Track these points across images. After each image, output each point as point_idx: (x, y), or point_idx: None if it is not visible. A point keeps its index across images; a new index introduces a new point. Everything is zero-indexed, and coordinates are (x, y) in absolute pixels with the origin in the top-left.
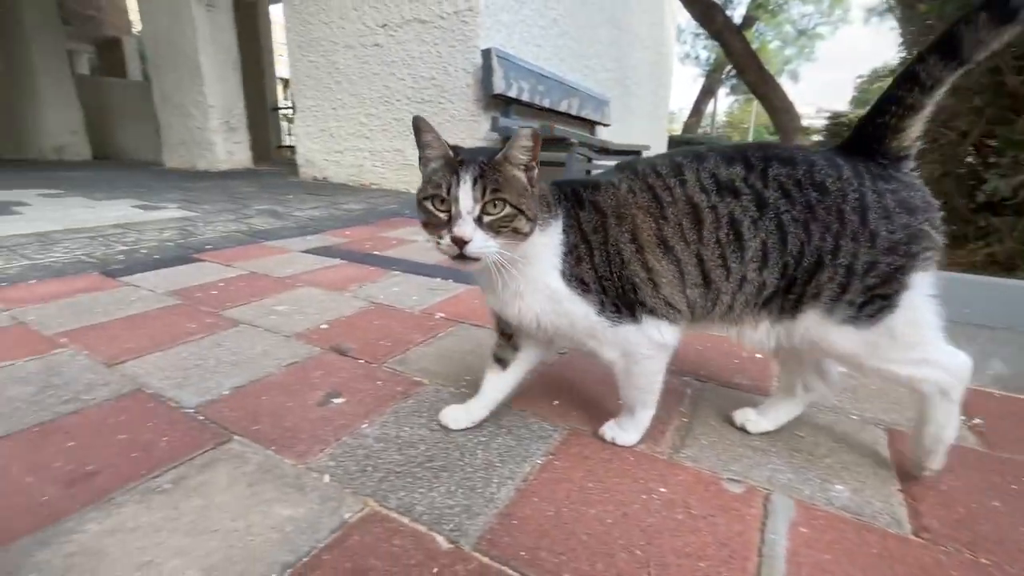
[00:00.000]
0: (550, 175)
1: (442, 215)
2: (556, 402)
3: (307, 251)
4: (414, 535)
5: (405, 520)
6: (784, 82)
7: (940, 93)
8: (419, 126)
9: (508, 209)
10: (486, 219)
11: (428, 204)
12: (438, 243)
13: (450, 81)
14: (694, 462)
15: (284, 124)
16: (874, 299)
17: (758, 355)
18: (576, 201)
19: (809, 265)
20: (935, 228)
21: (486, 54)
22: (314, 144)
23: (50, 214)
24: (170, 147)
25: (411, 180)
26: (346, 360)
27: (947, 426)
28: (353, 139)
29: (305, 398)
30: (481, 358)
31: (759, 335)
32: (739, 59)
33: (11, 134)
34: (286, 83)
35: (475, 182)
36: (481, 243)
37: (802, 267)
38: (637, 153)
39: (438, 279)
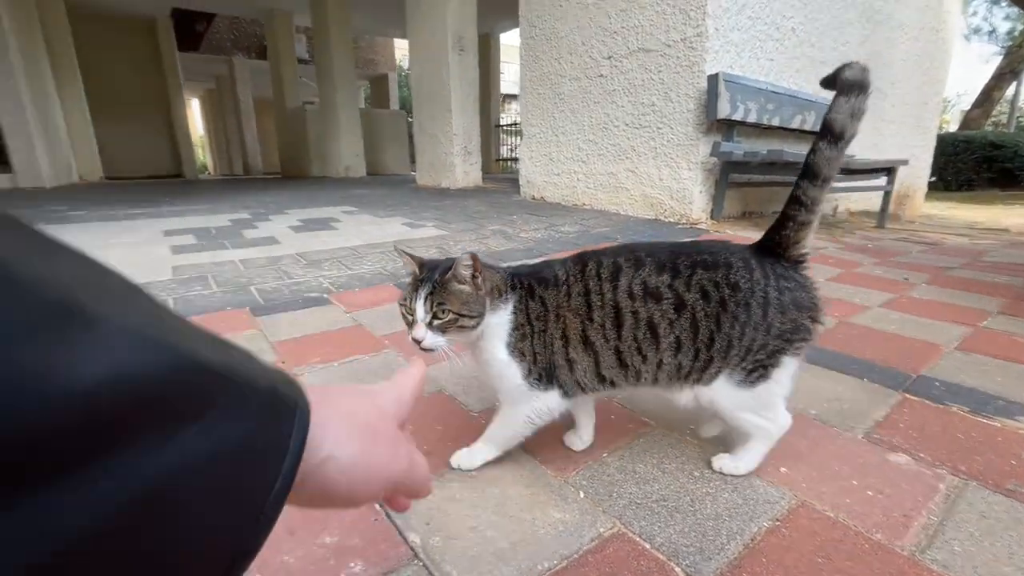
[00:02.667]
0: (782, 194)
1: (409, 318)
2: (784, 469)
3: None
4: (656, 561)
5: (647, 546)
6: None
7: (822, 207)
8: (400, 251)
9: (451, 316)
10: (435, 323)
11: (402, 310)
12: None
13: (670, 107)
14: (942, 568)
15: (502, 136)
16: (758, 369)
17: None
18: (529, 291)
19: (721, 347)
20: (815, 321)
21: (712, 80)
22: (536, 167)
23: (353, 230)
24: (422, 168)
25: (620, 202)
26: None
27: (758, 453)
28: (570, 163)
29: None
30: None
31: (684, 398)
32: None
33: (322, 157)
34: (504, 98)
35: (426, 298)
36: (431, 340)
37: (715, 348)
38: (889, 171)
39: None
